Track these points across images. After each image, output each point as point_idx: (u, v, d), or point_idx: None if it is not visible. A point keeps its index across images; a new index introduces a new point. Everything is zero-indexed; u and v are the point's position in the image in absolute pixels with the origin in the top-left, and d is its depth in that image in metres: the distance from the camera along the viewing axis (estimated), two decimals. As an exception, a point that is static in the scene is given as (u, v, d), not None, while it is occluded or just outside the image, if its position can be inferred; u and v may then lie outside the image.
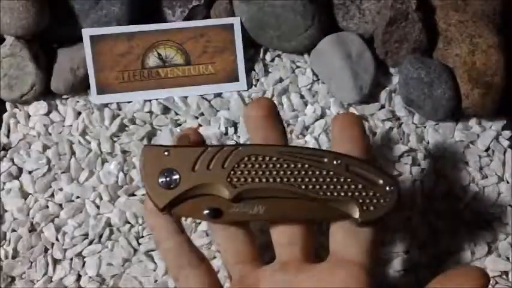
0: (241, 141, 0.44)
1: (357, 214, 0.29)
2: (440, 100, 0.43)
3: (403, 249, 0.41)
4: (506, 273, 0.41)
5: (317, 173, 0.30)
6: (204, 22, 0.46)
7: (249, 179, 0.30)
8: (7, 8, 0.42)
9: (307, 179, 0.30)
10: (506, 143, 0.45)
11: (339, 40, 0.45)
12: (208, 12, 0.47)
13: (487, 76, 0.43)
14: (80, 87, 0.46)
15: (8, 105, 0.46)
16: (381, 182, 0.30)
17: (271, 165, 0.30)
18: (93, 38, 0.45)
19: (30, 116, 0.46)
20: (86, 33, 0.45)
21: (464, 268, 0.31)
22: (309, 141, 0.44)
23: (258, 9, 0.45)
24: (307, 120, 0.45)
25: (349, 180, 0.30)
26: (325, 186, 0.30)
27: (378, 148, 0.44)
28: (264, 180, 0.30)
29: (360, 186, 0.30)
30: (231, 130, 0.45)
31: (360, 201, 0.29)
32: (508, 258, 0.41)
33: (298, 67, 0.47)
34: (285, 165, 0.30)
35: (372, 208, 0.29)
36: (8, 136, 0.45)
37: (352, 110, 0.45)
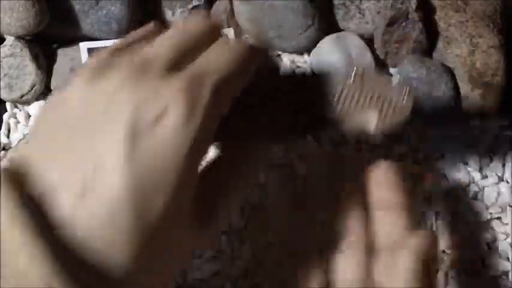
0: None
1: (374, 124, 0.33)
2: (441, 100, 0.43)
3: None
4: (506, 273, 0.41)
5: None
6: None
7: None
8: (7, 8, 0.42)
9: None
10: (506, 143, 0.45)
11: (339, 40, 0.45)
12: (208, 12, 0.47)
13: (487, 76, 0.43)
14: (80, 87, 0.46)
15: (8, 105, 0.46)
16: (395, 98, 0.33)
17: None
18: (90, 50, 0.44)
19: (30, 116, 0.45)
20: (84, 46, 0.44)
21: None
22: (311, 140, 0.44)
23: (258, 9, 0.45)
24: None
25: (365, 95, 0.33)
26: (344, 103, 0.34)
27: (378, 148, 0.44)
28: None
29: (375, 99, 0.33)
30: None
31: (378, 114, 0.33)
32: (508, 258, 0.41)
33: (298, 67, 0.47)
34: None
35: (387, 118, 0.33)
36: (8, 136, 0.45)
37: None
